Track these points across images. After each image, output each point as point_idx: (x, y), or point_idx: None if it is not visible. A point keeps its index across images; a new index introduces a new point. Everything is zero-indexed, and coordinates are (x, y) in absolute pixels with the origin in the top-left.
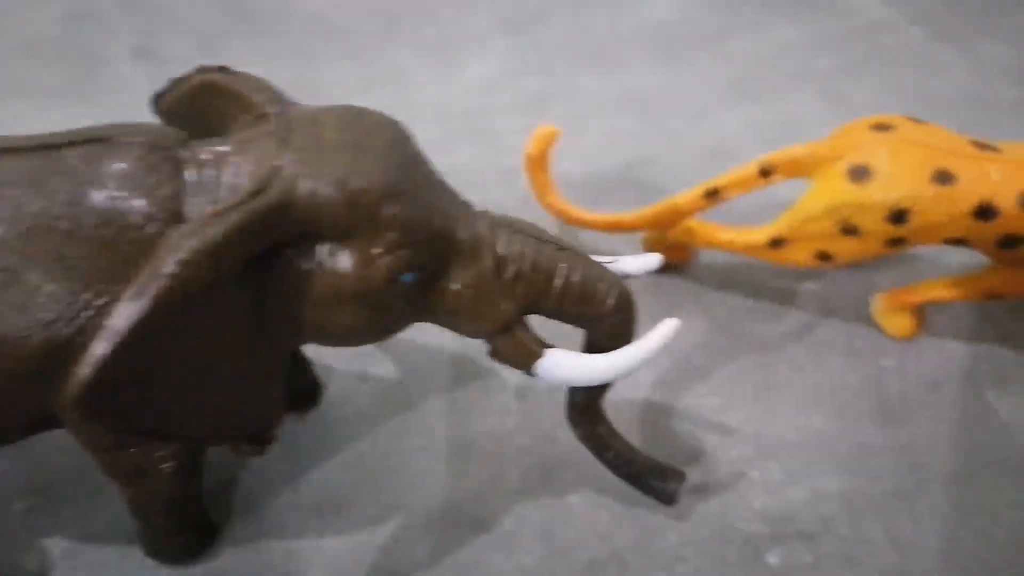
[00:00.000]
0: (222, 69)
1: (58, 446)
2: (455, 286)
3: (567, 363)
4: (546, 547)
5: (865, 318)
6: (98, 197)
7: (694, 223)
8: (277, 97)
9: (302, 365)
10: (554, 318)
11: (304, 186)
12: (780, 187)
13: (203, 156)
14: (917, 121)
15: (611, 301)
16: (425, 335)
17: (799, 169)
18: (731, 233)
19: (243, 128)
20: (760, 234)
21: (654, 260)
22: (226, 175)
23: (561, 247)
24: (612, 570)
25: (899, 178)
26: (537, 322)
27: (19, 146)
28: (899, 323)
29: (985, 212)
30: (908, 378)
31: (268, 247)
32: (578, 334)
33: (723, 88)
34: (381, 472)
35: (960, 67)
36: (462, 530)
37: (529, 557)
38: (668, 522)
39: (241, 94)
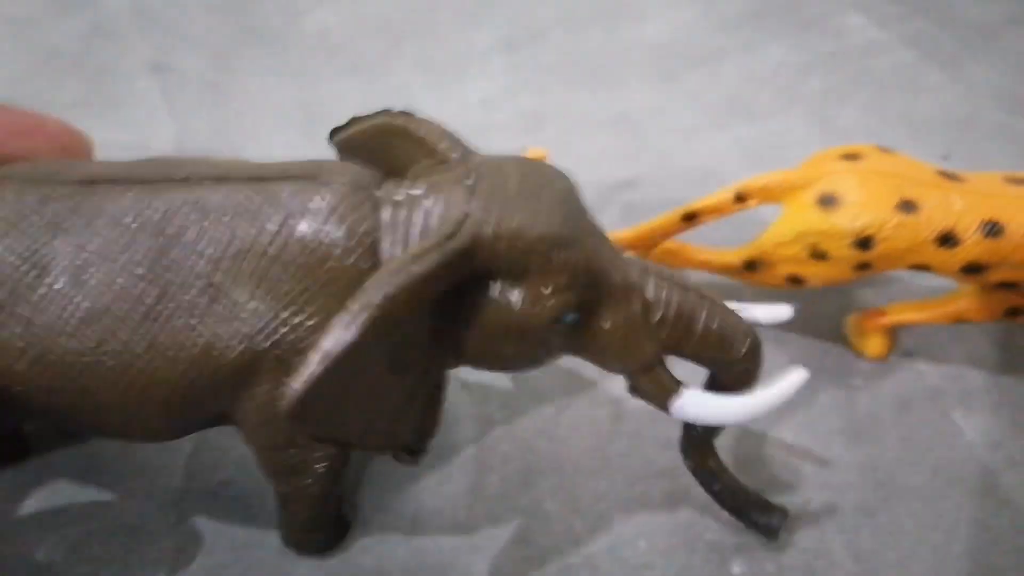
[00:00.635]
0: (405, 113)
1: (60, 446)
2: (606, 325)
3: (704, 403)
4: (522, 552)
5: (837, 337)
6: (304, 228)
7: (674, 244)
8: (458, 144)
9: None
10: (689, 360)
11: (490, 232)
12: (763, 210)
13: (397, 197)
14: (886, 151)
15: (743, 348)
16: None
17: (772, 195)
18: (708, 254)
19: (427, 172)
20: (735, 256)
21: (785, 312)
22: (417, 216)
23: (702, 295)
24: (584, 574)
25: (865, 206)
26: None
27: (234, 175)
28: (871, 343)
29: (947, 240)
30: (877, 397)
31: (453, 284)
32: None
33: (715, 108)
34: (365, 476)
35: (949, 90)
36: (443, 533)
37: (506, 561)
38: (639, 531)
39: (424, 140)
